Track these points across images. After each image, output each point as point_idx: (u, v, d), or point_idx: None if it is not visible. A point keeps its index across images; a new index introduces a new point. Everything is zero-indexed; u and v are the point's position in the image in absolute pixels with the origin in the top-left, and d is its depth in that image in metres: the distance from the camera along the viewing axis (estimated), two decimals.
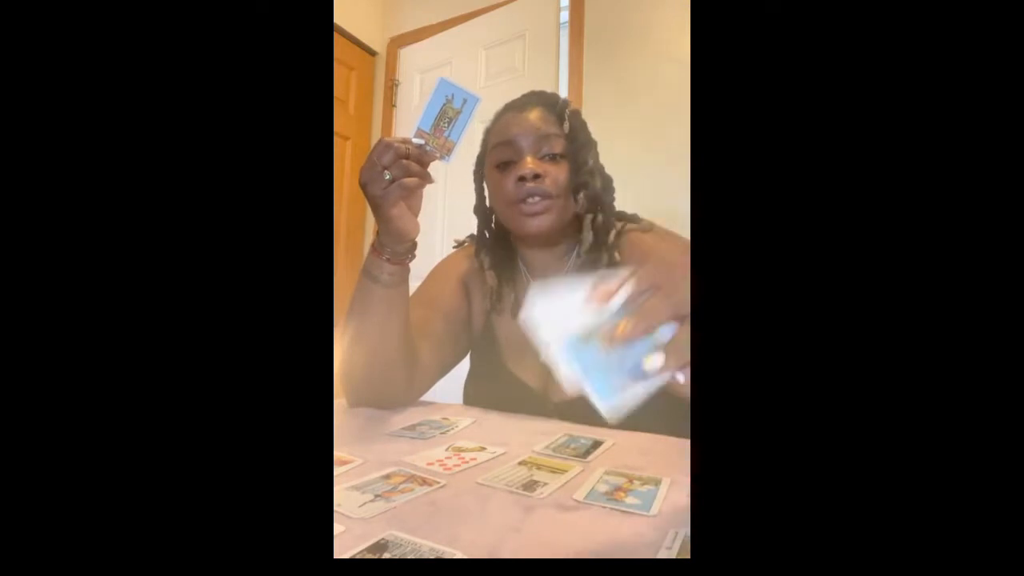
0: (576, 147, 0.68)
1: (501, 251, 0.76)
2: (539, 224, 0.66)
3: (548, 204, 0.66)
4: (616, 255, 0.67)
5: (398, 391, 0.65)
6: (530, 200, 0.66)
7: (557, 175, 0.66)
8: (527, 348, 0.73)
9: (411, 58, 2.47)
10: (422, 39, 2.42)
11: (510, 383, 0.70)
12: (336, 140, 2.35)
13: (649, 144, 1.85)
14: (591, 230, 0.68)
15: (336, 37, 2.34)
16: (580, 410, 0.61)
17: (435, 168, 0.56)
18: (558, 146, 0.67)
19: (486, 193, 0.76)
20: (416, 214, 0.58)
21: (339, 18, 2.31)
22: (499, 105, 0.76)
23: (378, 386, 0.64)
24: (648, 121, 1.87)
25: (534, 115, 0.69)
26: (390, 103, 2.50)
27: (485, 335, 0.77)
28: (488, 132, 0.74)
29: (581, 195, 0.67)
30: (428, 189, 0.56)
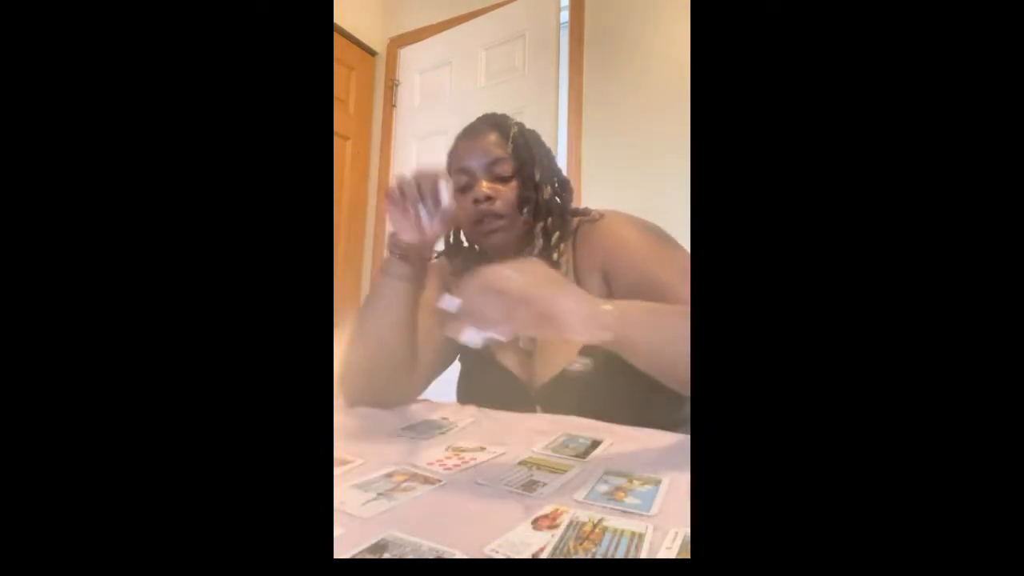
0: (519, 165, 0.73)
1: (471, 258, 0.81)
2: (496, 241, 0.73)
3: (502, 223, 0.72)
4: (556, 255, 0.73)
5: (399, 386, 0.68)
6: (486, 221, 0.72)
7: (508, 196, 0.72)
8: (511, 340, 0.76)
9: (411, 58, 2.46)
10: (422, 39, 2.42)
11: (499, 374, 0.74)
12: (336, 140, 2.34)
13: (649, 144, 1.85)
14: (541, 237, 0.74)
15: (336, 37, 2.33)
16: (559, 395, 0.66)
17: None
18: (507, 168, 0.73)
19: None
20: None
21: (339, 18, 2.31)
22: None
23: (380, 381, 0.66)
24: (648, 121, 1.87)
25: (486, 140, 0.74)
26: (390, 103, 2.49)
27: None
28: (449, 156, 0.78)
29: (525, 210, 0.72)
30: None
